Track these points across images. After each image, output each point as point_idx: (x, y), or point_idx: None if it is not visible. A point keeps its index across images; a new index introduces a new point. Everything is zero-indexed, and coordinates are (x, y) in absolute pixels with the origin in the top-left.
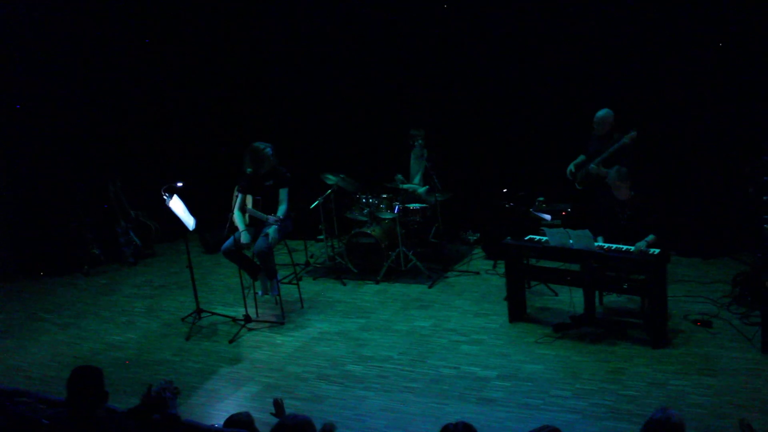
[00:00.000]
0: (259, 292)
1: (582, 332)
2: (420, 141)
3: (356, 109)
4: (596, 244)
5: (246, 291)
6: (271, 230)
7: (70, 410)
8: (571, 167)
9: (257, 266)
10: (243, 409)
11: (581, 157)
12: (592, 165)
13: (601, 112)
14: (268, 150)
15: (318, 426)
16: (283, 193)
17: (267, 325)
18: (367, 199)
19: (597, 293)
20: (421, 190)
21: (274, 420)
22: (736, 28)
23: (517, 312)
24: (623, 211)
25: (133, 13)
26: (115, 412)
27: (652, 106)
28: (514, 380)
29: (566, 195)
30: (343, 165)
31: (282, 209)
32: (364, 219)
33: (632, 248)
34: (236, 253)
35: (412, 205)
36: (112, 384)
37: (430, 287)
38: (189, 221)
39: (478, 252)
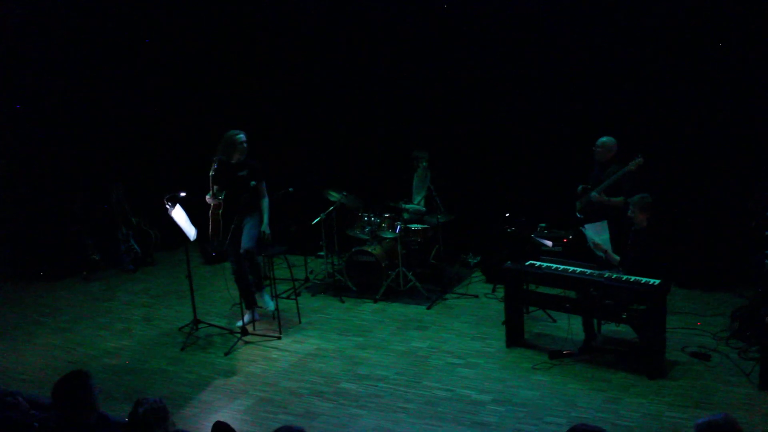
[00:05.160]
0: (242, 320)
1: (579, 360)
2: (424, 163)
3: (362, 128)
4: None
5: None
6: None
7: (59, 415)
8: (578, 204)
9: (254, 301)
10: (235, 423)
11: (580, 187)
12: (593, 193)
13: (604, 138)
14: (241, 136)
15: None
16: (262, 187)
17: (263, 339)
18: (369, 218)
19: (595, 321)
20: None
21: None
22: (739, 54)
23: (515, 337)
24: (629, 238)
25: (137, 17)
26: (107, 419)
27: (654, 136)
28: (509, 405)
29: (568, 222)
30: (346, 183)
31: (265, 203)
32: (366, 237)
33: (631, 278)
34: (242, 278)
35: (413, 226)
36: (105, 391)
37: (428, 308)
38: (190, 231)
39: (477, 275)
